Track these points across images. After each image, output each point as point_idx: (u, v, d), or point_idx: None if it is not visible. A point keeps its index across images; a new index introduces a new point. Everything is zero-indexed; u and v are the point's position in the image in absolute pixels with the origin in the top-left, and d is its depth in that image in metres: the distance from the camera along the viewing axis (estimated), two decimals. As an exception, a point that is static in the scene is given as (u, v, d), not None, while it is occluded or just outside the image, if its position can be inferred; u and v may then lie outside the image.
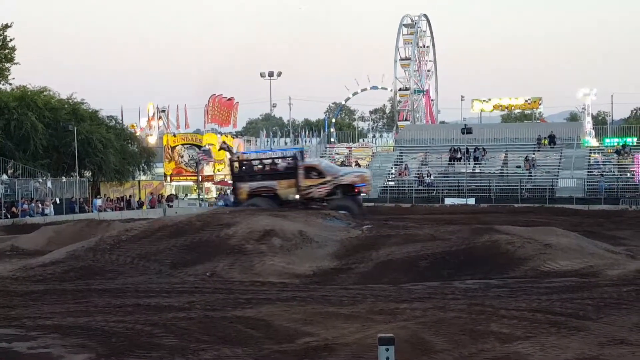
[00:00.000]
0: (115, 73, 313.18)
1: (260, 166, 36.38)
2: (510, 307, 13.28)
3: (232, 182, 36.19)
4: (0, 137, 52.30)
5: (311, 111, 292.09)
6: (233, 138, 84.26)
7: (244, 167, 36.01)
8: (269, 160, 36.61)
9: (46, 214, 48.73)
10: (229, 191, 35.92)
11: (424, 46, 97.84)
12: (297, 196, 34.04)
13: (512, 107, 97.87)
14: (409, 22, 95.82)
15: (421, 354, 10.19)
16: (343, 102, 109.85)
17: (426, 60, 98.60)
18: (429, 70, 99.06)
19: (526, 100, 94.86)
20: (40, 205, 50.03)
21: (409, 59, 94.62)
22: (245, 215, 24.57)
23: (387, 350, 6.58)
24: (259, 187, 34.50)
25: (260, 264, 19.61)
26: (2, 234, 33.93)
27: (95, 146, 57.95)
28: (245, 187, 34.64)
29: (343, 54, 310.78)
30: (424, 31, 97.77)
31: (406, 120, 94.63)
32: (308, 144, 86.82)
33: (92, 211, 54.12)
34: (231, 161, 36.96)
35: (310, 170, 35.09)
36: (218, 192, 76.17)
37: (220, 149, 45.20)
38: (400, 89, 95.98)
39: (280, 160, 36.42)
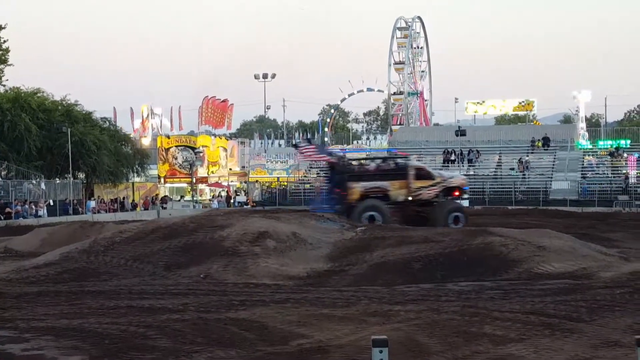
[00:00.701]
0: (109, 73, 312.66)
1: (369, 166, 35.88)
2: (504, 309, 13.29)
3: (339, 182, 34.73)
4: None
5: (305, 113, 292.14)
6: (227, 140, 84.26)
7: (350, 167, 35.48)
8: (380, 160, 36.12)
9: (40, 216, 48.67)
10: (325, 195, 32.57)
11: (418, 47, 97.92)
12: (409, 197, 33.56)
13: (506, 110, 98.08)
14: (403, 24, 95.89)
15: (415, 356, 10.19)
16: (339, 103, 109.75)
17: (420, 61, 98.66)
18: (422, 71, 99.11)
19: (520, 103, 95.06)
20: (33, 206, 49.98)
21: (403, 62, 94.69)
22: (239, 217, 24.56)
23: (380, 352, 6.58)
24: (372, 187, 33.74)
25: (254, 265, 19.60)
26: (-4, 236, 33.87)
27: (89, 148, 57.98)
28: (359, 187, 33.71)
29: (338, 56, 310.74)
30: (417, 32, 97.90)
31: (400, 124, 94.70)
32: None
33: (85, 213, 54.08)
34: (342, 160, 35.90)
35: (419, 172, 34.84)
36: (212, 194, 76.18)
37: (296, 146, 43.74)
38: (394, 93, 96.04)
39: (389, 160, 36.06)
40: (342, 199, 33.31)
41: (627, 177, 61.83)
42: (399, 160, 36.03)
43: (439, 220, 31.95)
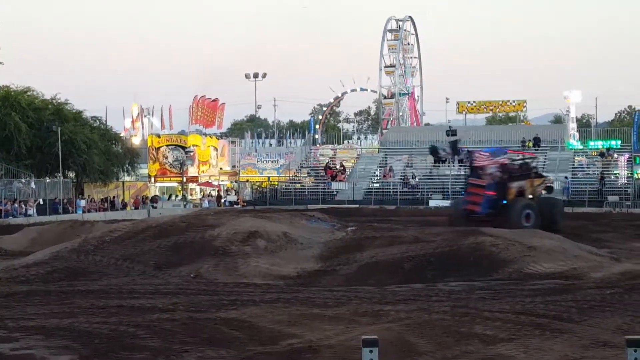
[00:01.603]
0: (104, 73, 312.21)
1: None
2: (494, 309, 13.32)
3: (498, 183, 34.45)
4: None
5: (296, 112, 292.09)
6: (218, 139, 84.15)
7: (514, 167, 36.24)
8: (521, 160, 37.44)
9: (29, 215, 48.52)
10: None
11: (409, 44, 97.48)
12: (532, 195, 34.78)
13: (497, 110, 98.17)
14: (394, 25, 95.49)
15: (405, 356, 10.19)
16: (331, 100, 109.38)
17: (411, 57, 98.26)
18: (413, 67, 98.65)
19: (511, 103, 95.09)
20: (23, 205, 49.83)
21: (394, 65, 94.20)
22: (229, 217, 24.57)
23: (370, 352, 6.57)
24: (519, 187, 34.53)
25: (244, 265, 19.61)
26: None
27: (79, 147, 57.84)
28: (514, 187, 34.35)
29: (330, 55, 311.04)
30: (408, 31, 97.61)
31: (390, 120, 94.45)
32: (293, 145, 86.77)
33: (76, 212, 53.98)
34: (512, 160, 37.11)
35: (537, 170, 36.58)
36: (202, 193, 76.07)
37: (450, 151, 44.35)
38: (385, 97, 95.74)
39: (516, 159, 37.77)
40: (498, 200, 33.60)
41: (602, 178, 61.94)
42: (528, 158, 38.01)
43: (554, 216, 33.51)
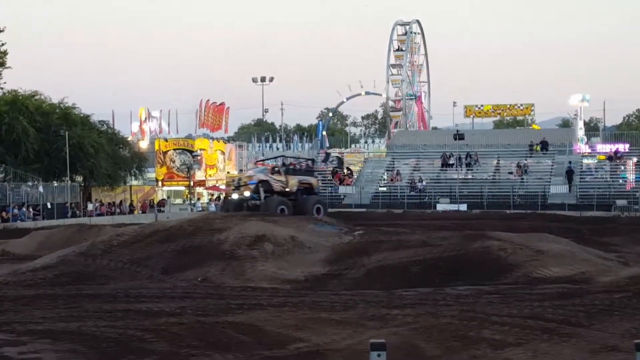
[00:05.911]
0: (110, 77, 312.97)
1: None
2: (502, 314, 13.27)
3: None
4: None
5: (303, 116, 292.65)
6: (225, 143, 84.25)
7: None
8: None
9: (36, 219, 48.58)
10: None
11: (416, 43, 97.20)
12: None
13: (505, 113, 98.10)
14: (401, 31, 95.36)
15: (413, 360, 10.17)
16: (337, 105, 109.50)
17: (419, 66, 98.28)
18: (420, 64, 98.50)
19: (519, 106, 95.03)
20: (31, 210, 49.94)
21: (400, 74, 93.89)
22: (236, 221, 24.55)
23: (378, 356, 6.56)
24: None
25: (251, 269, 19.59)
26: (-7, 239, 33.80)
27: (86, 151, 57.99)
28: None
29: (338, 58, 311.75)
30: (416, 39, 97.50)
31: (398, 127, 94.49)
32: (300, 149, 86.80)
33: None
34: None
35: None
36: (209, 197, 76.14)
37: None
38: (392, 110, 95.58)
39: None
40: None
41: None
42: None
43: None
